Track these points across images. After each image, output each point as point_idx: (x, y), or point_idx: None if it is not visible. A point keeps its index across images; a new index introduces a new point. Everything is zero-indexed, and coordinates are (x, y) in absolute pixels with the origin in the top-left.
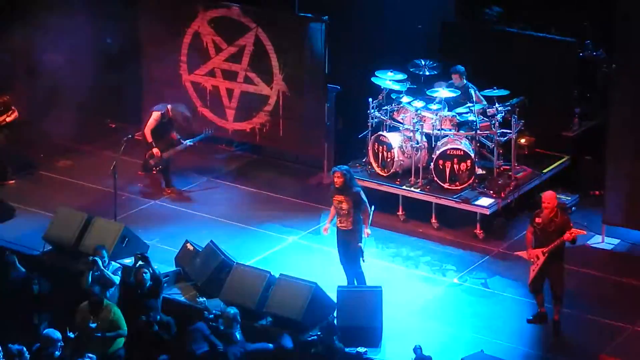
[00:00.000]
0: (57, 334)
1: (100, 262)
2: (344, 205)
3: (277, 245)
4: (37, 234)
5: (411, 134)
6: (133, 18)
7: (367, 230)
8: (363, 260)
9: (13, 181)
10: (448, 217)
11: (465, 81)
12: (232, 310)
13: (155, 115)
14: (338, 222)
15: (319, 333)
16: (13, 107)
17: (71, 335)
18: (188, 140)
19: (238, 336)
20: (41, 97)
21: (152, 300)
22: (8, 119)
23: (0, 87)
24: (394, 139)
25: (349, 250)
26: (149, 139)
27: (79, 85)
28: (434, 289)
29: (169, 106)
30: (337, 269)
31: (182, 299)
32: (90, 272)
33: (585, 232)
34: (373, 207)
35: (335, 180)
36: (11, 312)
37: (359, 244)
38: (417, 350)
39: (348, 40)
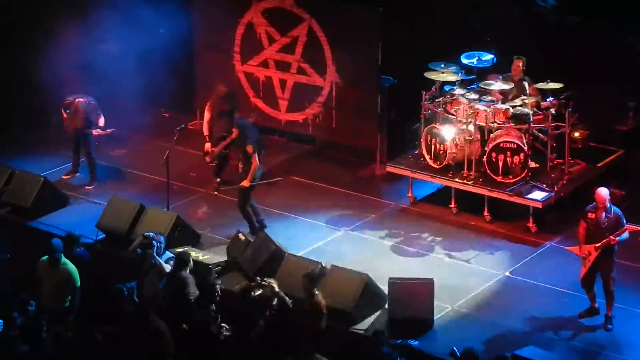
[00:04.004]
0: None
1: (156, 247)
2: (240, 154)
3: (328, 236)
4: (91, 222)
5: (464, 126)
6: (187, 8)
7: (243, 182)
8: (245, 202)
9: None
10: (501, 210)
11: (522, 73)
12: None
13: (207, 106)
14: None
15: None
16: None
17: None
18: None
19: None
20: (96, 87)
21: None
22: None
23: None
24: (447, 131)
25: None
26: (205, 132)
27: (133, 74)
28: (486, 282)
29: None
30: (388, 261)
31: (234, 289)
32: (142, 248)
33: (639, 229)
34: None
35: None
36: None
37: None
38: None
39: (402, 31)
